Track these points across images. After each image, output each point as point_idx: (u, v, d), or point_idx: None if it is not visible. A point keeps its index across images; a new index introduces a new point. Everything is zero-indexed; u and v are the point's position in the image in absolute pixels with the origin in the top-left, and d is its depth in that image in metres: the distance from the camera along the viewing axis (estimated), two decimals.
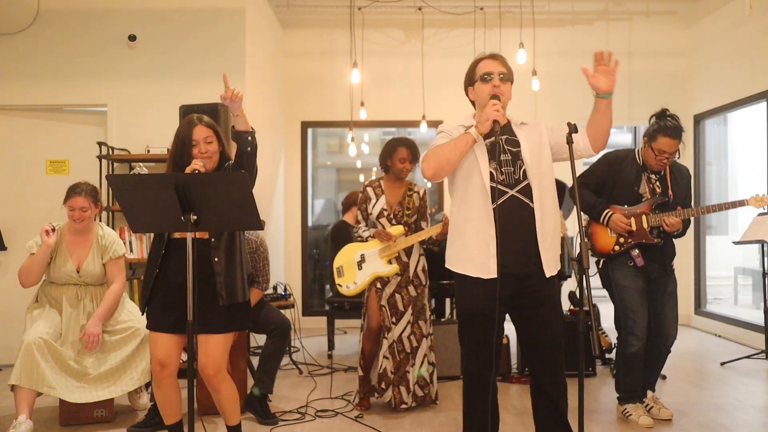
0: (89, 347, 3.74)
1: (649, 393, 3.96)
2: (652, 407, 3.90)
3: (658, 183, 3.84)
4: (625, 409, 3.88)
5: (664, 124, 3.72)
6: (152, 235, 4.83)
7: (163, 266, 2.84)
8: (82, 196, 3.77)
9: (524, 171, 2.73)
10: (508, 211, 2.69)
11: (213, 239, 2.86)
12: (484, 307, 2.69)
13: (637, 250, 3.78)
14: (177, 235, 2.84)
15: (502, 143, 2.76)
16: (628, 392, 3.90)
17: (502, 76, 2.78)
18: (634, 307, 3.77)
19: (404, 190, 4.21)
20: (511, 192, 2.72)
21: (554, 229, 2.77)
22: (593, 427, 3.76)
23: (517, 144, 2.77)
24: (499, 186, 2.71)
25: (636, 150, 3.90)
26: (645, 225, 3.77)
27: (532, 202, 2.70)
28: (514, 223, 2.69)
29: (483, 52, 2.93)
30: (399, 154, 4.16)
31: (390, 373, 4.04)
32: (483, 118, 2.68)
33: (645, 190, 3.82)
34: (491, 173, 2.71)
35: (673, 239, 3.90)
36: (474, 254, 2.74)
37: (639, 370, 3.85)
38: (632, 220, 3.76)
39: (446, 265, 2.89)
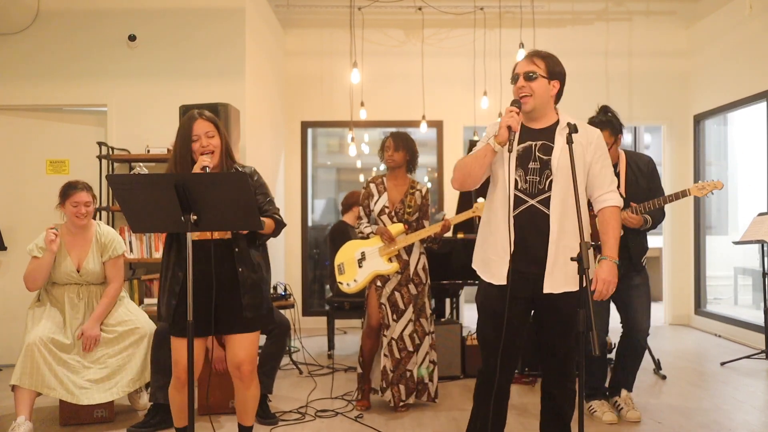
0: (87, 349, 3.75)
1: (624, 392, 3.96)
2: (623, 407, 3.90)
3: None
4: (591, 405, 3.92)
5: (596, 119, 3.79)
6: (152, 235, 4.93)
7: (186, 269, 2.78)
8: (85, 191, 3.81)
9: (551, 181, 2.66)
10: (526, 221, 2.66)
11: (237, 249, 2.86)
12: (499, 309, 2.66)
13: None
14: (196, 236, 2.79)
15: (534, 149, 2.68)
16: (593, 389, 3.94)
17: (529, 75, 2.67)
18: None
19: (406, 188, 4.19)
20: (531, 201, 2.67)
21: (573, 244, 2.63)
22: (592, 427, 3.76)
23: (550, 151, 2.67)
24: (521, 194, 2.67)
25: None
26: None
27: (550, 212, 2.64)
28: (531, 232, 2.65)
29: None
30: (385, 143, 4.19)
31: (389, 371, 4.04)
32: (500, 125, 2.62)
33: None
34: (516, 180, 2.66)
35: (646, 232, 3.83)
36: (491, 260, 2.73)
37: (600, 367, 3.96)
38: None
39: (472, 266, 2.87)
